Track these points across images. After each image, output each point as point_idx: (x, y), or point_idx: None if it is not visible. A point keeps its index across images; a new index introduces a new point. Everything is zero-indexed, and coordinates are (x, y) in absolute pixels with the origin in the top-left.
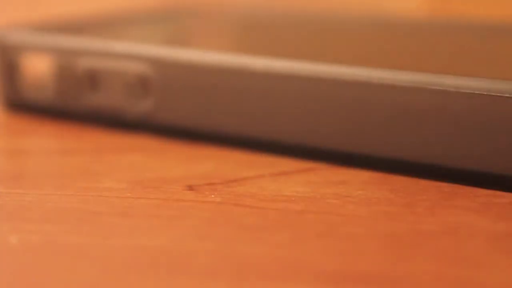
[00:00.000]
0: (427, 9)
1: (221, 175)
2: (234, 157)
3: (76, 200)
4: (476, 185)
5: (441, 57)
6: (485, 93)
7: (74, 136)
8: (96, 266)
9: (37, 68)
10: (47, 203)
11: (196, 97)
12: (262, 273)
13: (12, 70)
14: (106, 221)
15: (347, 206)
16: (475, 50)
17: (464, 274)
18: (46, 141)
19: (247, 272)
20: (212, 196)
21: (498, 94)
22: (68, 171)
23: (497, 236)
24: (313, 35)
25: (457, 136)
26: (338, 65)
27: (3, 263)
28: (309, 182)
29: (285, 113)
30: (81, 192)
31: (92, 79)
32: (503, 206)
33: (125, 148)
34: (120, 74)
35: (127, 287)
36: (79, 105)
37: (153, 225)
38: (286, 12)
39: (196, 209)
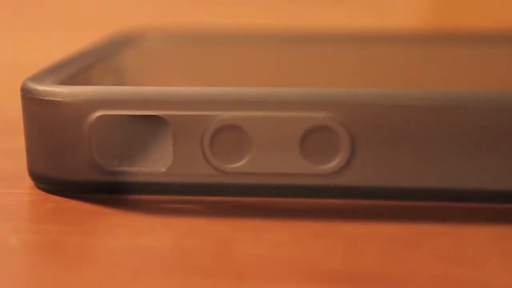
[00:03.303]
0: (429, 22)
1: None
2: None
3: (76, 200)
4: None
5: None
6: None
7: None
8: (96, 266)
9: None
10: (47, 203)
11: None
12: (262, 273)
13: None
14: (106, 221)
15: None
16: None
17: (464, 274)
18: None
19: (247, 272)
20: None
21: None
22: None
23: (497, 236)
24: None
25: None
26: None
27: (3, 263)
28: None
29: None
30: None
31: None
32: (502, 206)
33: None
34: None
35: (127, 287)
36: None
37: (153, 225)
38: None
39: (196, 209)
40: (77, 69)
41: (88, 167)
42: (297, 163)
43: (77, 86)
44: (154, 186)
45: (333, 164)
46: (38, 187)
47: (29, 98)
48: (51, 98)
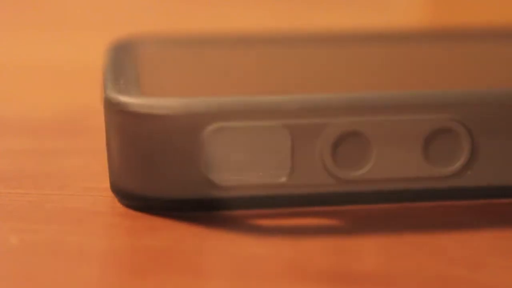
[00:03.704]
0: (428, 22)
1: None
2: None
3: (76, 200)
4: None
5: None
6: None
7: (72, 136)
8: (96, 266)
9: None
10: (47, 203)
11: None
12: (262, 273)
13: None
14: (106, 221)
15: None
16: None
17: (464, 274)
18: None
19: (247, 272)
20: None
21: None
22: (68, 171)
23: (497, 236)
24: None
25: None
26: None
27: (3, 263)
28: None
29: None
30: (81, 192)
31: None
32: (503, 206)
33: None
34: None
35: (127, 287)
36: None
37: (153, 225)
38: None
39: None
40: (133, 80)
41: (202, 183)
42: (420, 166)
43: (185, 98)
44: (271, 199)
45: (456, 165)
46: (128, 206)
47: (124, 113)
48: (158, 112)
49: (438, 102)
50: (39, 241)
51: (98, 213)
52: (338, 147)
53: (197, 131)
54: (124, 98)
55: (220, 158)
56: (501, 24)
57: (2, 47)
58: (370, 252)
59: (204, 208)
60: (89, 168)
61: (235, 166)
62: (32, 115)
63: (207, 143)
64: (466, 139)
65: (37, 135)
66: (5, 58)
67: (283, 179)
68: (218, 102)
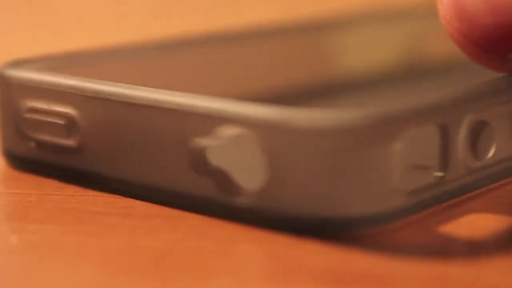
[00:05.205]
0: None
1: None
2: None
3: (76, 200)
4: None
5: None
6: None
7: None
8: (96, 266)
9: None
10: (47, 203)
11: None
12: (262, 273)
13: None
14: (106, 221)
15: None
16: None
17: (463, 274)
18: None
19: (247, 272)
20: None
21: None
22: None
23: (497, 236)
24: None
25: None
26: None
27: (3, 263)
28: None
29: None
30: (81, 192)
31: None
32: (503, 205)
33: None
34: None
35: (127, 287)
36: None
37: (153, 225)
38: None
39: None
40: None
41: (391, 194)
42: None
43: (370, 108)
44: (439, 197)
45: None
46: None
47: (302, 131)
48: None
49: None
50: (39, 241)
51: (98, 213)
52: (471, 137)
53: (388, 141)
54: (299, 115)
55: (404, 164)
56: None
57: (1, 47)
58: (370, 252)
59: (390, 219)
60: None
61: (413, 170)
62: None
63: (395, 151)
64: None
65: None
66: (4, 58)
67: (443, 175)
68: (405, 107)
